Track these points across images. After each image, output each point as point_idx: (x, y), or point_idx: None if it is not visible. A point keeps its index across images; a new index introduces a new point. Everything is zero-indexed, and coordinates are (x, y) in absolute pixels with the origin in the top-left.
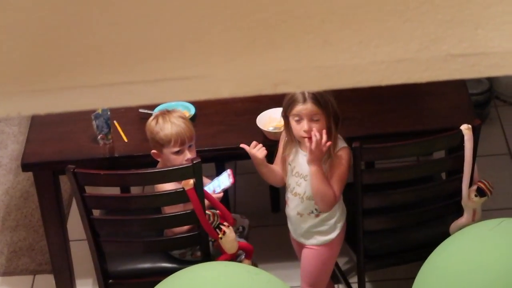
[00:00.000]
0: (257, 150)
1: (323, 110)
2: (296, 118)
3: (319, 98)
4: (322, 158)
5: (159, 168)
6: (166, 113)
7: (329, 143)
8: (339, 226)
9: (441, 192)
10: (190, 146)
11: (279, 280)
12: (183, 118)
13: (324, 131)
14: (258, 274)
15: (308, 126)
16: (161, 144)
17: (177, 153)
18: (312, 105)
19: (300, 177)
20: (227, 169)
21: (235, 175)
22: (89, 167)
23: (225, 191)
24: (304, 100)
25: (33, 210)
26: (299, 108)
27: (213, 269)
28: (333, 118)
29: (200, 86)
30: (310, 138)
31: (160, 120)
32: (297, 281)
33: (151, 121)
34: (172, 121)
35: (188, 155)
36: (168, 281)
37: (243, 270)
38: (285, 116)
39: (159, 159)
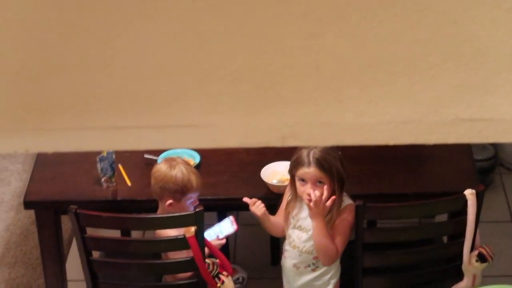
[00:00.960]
0: (256, 208)
1: (326, 174)
2: (301, 180)
3: (323, 163)
4: (324, 214)
5: (160, 214)
6: (177, 161)
7: (332, 198)
8: (333, 283)
9: (442, 256)
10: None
11: None
12: (190, 164)
13: (325, 188)
14: None
15: (310, 190)
16: (184, 193)
17: (193, 202)
18: (316, 169)
19: (302, 231)
20: (228, 216)
21: (237, 222)
22: (91, 208)
23: (226, 239)
24: (309, 164)
25: (33, 248)
26: (303, 171)
27: None
28: (337, 181)
29: (208, 135)
30: (310, 199)
31: (178, 169)
32: None
33: (170, 172)
34: (190, 169)
35: (197, 201)
36: None
37: None
38: (291, 173)
39: (170, 209)
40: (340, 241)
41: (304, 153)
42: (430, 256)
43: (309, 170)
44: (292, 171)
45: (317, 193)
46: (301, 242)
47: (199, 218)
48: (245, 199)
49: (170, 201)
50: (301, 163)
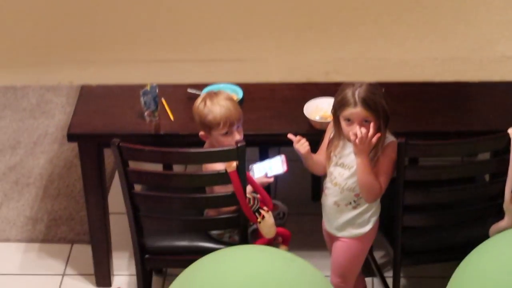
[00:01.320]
0: (300, 145)
1: (372, 113)
2: (347, 120)
3: (369, 102)
4: (369, 151)
5: (204, 148)
6: (213, 95)
7: (377, 135)
8: (373, 221)
9: (483, 194)
10: (238, 127)
11: (314, 268)
12: (230, 100)
13: (372, 125)
14: (293, 260)
15: (357, 128)
16: (209, 126)
17: (226, 134)
18: (363, 109)
19: (344, 167)
20: (281, 154)
21: (287, 161)
22: (133, 142)
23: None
24: (355, 104)
25: (75, 181)
26: (350, 111)
27: (249, 252)
28: (382, 118)
29: (251, 70)
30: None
31: (208, 103)
32: (330, 270)
33: (198, 104)
34: (220, 103)
35: (237, 136)
36: (203, 261)
37: (279, 256)
38: (335, 113)
39: (206, 140)
40: (383, 179)
41: (349, 93)
42: (471, 194)
43: (356, 110)
44: (336, 112)
45: (363, 130)
46: (343, 180)
47: (241, 153)
48: (290, 136)
49: (201, 132)
50: (347, 104)
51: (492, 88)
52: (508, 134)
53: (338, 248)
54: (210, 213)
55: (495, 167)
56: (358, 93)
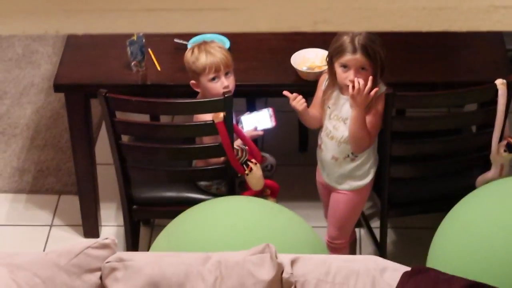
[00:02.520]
0: (297, 103)
1: (371, 61)
2: (343, 66)
3: (369, 50)
4: (366, 104)
5: (190, 99)
6: (203, 43)
7: (375, 90)
8: (372, 172)
9: (470, 145)
10: (227, 74)
11: (301, 219)
12: (219, 47)
13: (370, 78)
14: (281, 211)
15: (354, 76)
16: (197, 73)
17: (213, 80)
18: (362, 56)
19: (339, 120)
20: (268, 108)
21: (276, 115)
22: (120, 92)
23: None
24: (354, 51)
25: (62, 131)
26: (348, 58)
27: (237, 203)
28: (379, 68)
29: (238, 19)
30: (353, 86)
31: (196, 50)
32: (318, 221)
33: (187, 52)
34: (207, 50)
35: (225, 82)
36: (191, 211)
37: (266, 206)
38: (330, 61)
39: (198, 90)
40: (374, 131)
41: (347, 39)
42: (458, 145)
43: (355, 57)
44: (332, 58)
45: (361, 81)
46: (339, 133)
47: (228, 104)
48: (285, 93)
49: (192, 81)
50: (345, 50)
51: (480, 38)
52: (495, 85)
53: (337, 200)
54: (199, 164)
55: (482, 119)
56: (358, 39)
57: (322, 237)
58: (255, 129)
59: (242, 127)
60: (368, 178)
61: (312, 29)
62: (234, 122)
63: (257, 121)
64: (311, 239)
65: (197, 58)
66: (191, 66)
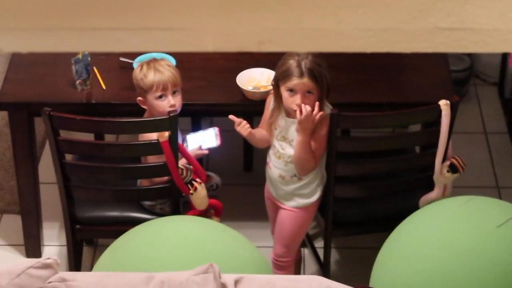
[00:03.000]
0: (241, 128)
1: (318, 84)
2: (290, 90)
3: (315, 73)
4: (312, 128)
5: (135, 118)
6: (152, 61)
7: (320, 113)
8: (319, 190)
9: (414, 165)
10: (174, 93)
11: (244, 238)
12: (168, 65)
13: (317, 104)
14: (224, 231)
15: (301, 101)
16: (145, 90)
17: (160, 98)
18: (309, 80)
19: (285, 141)
20: (214, 127)
21: (221, 134)
22: (65, 111)
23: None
24: (301, 75)
25: (5, 150)
26: (295, 82)
27: (180, 223)
28: (325, 91)
29: (184, 38)
30: (301, 111)
31: (145, 67)
32: (262, 241)
33: (136, 68)
34: (156, 67)
35: (172, 101)
36: (135, 231)
37: (210, 226)
38: (276, 84)
39: (144, 107)
40: (319, 152)
41: (294, 63)
42: (402, 165)
43: (302, 81)
44: (279, 82)
45: (308, 108)
46: (286, 152)
47: (173, 123)
48: (231, 117)
49: (139, 98)
50: (292, 74)
51: (424, 59)
52: (439, 106)
53: (284, 218)
54: (144, 183)
55: (426, 139)
56: (305, 63)
57: (267, 257)
58: (200, 148)
59: (187, 146)
60: (315, 197)
61: (258, 49)
62: (180, 141)
63: (203, 140)
64: (255, 259)
65: (145, 75)
66: (139, 83)
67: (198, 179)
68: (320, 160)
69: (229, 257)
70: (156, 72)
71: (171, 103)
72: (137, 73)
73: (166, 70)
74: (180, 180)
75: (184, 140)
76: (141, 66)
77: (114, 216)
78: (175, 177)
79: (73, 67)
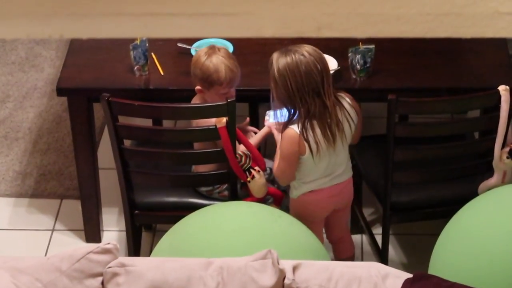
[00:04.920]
0: None
1: None
2: None
3: None
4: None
5: (193, 103)
6: (216, 51)
7: None
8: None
9: (473, 151)
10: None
11: (302, 224)
12: (233, 59)
13: None
14: (281, 216)
15: None
16: (211, 83)
17: (223, 94)
18: None
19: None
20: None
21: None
22: (123, 97)
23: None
24: None
25: (65, 135)
26: None
27: (238, 209)
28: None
29: (243, 24)
30: None
31: (215, 59)
32: None
33: (204, 60)
34: (225, 62)
35: (232, 97)
36: (193, 216)
37: (266, 212)
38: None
39: (202, 95)
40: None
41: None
42: (460, 151)
43: None
44: None
45: None
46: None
47: (231, 109)
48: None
49: (198, 87)
50: None
51: (484, 44)
52: (498, 91)
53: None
54: (199, 169)
55: (485, 125)
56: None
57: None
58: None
59: (268, 119)
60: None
61: (317, 35)
62: (266, 117)
63: (281, 116)
64: (313, 245)
65: (216, 70)
66: (207, 76)
67: (256, 167)
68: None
69: (287, 243)
70: (227, 68)
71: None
72: (207, 65)
73: (234, 67)
74: (237, 167)
75: (266, 114)
76: (209, 57)
77: (173, 201)
78: (232, 163)
79: (131, 53)
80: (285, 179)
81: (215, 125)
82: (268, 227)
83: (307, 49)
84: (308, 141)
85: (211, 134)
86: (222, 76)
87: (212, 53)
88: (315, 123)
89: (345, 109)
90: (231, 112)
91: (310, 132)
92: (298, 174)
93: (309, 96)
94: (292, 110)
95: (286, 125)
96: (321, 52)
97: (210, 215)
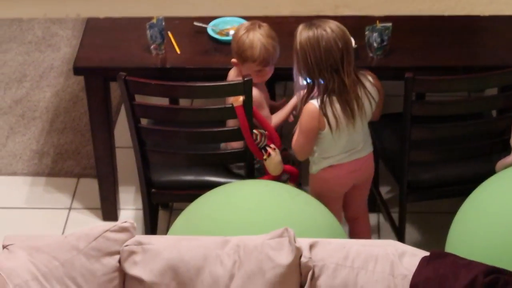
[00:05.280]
0: None
1: None
2: None
3: None
4: None
5: (209, 82)
6: (257, 28)
7: None
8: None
9: (490, 130)
10: (271, 66)
11: (318, 202)
12: (272, 38)
13: None
14: (298, 195)
15: None
16: (244, 58)
17: (258, 72)
18: None
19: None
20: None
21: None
22: (140, 75)
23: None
24: None
25: (82, 114)
26: None
27: (255, 187)
28: None
29: (260, 2)
30: None
31: (251, 35)
32: None
33: (241, 34)
34: (262, 41)
35: (267, 75)
36: (209, 195)
37: (283, 190)
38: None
39: (236, 67)
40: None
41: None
42: (478, 129)
43: None
44: None
45: None
46: None
47: (247, 88)
48: None
49: (234, 60)
50: None
51: (502, 22)
52: None
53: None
54: (233, 145)
55: (503, 103)
56: None
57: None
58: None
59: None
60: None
61: (334, 13)
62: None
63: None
64: (329, 223)
65: (251, 46)
66: (242, 51)
67: (272, 145)
68: None
69: (304, 221)
70: (262, 46)
71: (265, 78)
72: (243, 40)
73: (271, 45)
74: (253, 145)
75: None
76: (247, 32)
77: (189, 180)
78: (248, 142)
79: (148, 32)
80: (302, 153)
81: (232, 104)
82: (284, 205)
83: (331, 25)
84: (327, 116)
85: (228, 112)
86: (256, 53)
87: (252, 29)
88: (334, 98)
89: (366, 87)
90: (248, 91)
91: (329, 107)
92: (318, 149)
93: (328, 72)
94: (312, 83)
95: (306, 99)
96: (346, 30)
97: (226, 193)
